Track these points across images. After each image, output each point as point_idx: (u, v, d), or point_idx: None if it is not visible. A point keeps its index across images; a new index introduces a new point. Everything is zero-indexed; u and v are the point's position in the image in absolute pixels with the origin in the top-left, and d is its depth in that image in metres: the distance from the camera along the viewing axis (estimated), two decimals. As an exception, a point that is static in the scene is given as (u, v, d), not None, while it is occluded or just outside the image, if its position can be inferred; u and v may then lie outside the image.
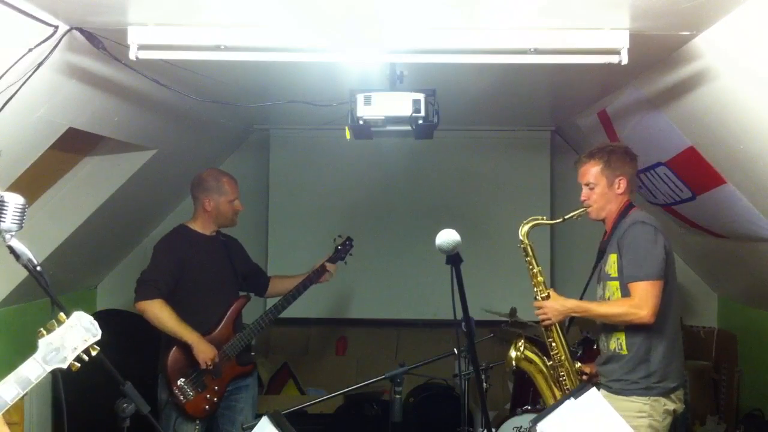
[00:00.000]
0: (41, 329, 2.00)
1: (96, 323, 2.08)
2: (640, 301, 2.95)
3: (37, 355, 1.98)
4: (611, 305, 3.10)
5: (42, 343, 1.99)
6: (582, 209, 3.24)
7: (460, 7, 2.40)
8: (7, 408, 1.94)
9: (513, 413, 4.29)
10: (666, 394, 3.03)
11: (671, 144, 3.69)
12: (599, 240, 3.34)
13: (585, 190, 3.21)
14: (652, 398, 3.00)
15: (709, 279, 5.61)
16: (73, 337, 2.02)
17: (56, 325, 2.02)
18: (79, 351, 2.02)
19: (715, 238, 4.47)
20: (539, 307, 3.24)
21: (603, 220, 3.23)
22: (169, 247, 3.76)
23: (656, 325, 3.01)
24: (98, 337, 2.06)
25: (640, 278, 2.98)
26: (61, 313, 2.03)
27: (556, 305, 3.20)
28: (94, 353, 2.06)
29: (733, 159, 3.29)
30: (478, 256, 5.22)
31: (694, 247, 5.13)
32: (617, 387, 3.06)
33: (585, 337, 4.30)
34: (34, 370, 1.97)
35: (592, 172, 3.16)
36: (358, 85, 2.81)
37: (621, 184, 3.15)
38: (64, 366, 2.01)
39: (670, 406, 3.05)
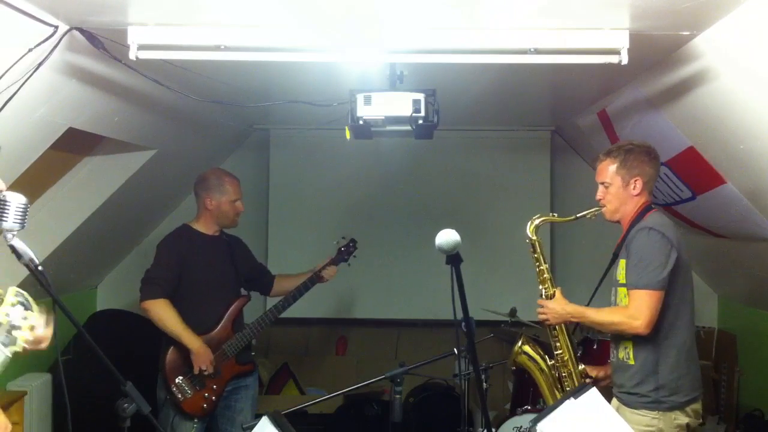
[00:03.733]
0: None
1: (30, 299, 2.03)
2: (636, 311, 2.84)
3: None
4: (607, 313, 3.01)
5: None
6: (596, 209, 3.14)
7: (460, 7, 2.40)
8: None
9: (513, 413, 4.29)
10: (678, 407, 2.90)
11: (671, 144, 3.69)
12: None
13: (600, 189, 3.08)
14: (661, 412, 2.88)
15: (709, 279, 5.61)
16: (17, 315, 1.96)
17: None
18: (26, 330, 1.96)
19: (715, 238, 4.47)
20: (541, 305, 3.18)
21: (618, 222, 3.10)
22: (170, 246, 3.77)
23: (665, 336, 2.91)
24: (35, 314, 2.01)
25: (638, 287, 2.87)
26: None
27: (557, 307, 3.12)
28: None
29: (733, 159, 3.29)
30: (478, 256, 5.22)
31: (694, 247, 5.12)
32: (626, 399, 2.96)
33: (585, 337, 4.30)
34: None
35: (608, 170, 3.04)
36: (358, 85, 2.81)
37: (637, 185, 3.00)
38: (19, 349, 1.95)
39: (683, 420, 2.91)
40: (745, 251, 4.26)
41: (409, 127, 2.78)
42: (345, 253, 4.17)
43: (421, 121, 2.75)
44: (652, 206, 3.07)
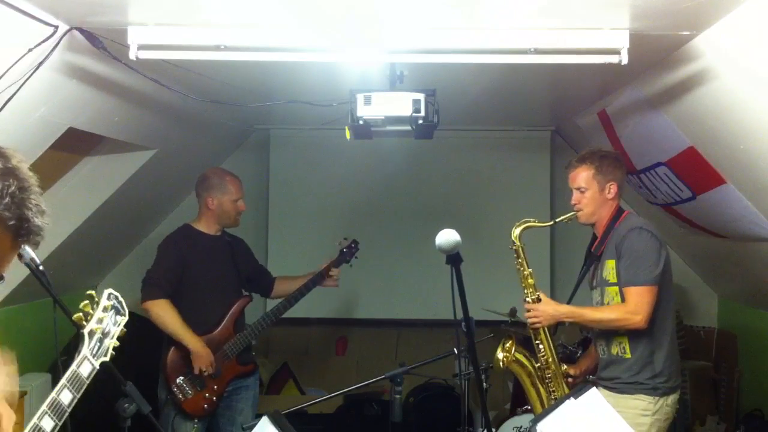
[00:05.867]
0: (79, 314, 1.80)
1: (123, 301, 1.91)
2: (635, 307, 2.97)
3: (86, 349, 1.78)
4: (605, 311, 3.11)
5: (87, 333, 1.79)
6: (572, 213, 3.25)
7: (460, 7, 2.40)
8: (66, 415, 1.75)
9: (513, 413, 4.30)
10: (669, 394, 3.05)
11: (671, 144, 3.69)
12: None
13: (576, 194, 3.22)
14: (657, 398, 3.02)
15: (709, 279, 5.60)
16: (110, 320, 1.83)
17: (90, 306, 1.83)
18: (115, 338, 1.84)
19: (715, 238, 4.47)
20: (530, 309, 3.23)
21: (592, 225, 3.25)
22: (171, 246, 3.78)
23: (658, 328, 3.04)
24: (126, 318, 1.89)
25: (636, 283, 2.99)
26: (92, 291, 1.84)
27: (549, 309, 3.19)
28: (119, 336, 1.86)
29: (733, 159, 3.29)
30: (478, 256, 5.21)
31: (694, 247, 5.13)
32: (623, 388, 3.07)
33: (585, 337, 4.29)
34: (85, 367, 1.77)
35: (584, 176, 3.18)
36: (358, 85, 2.81)
37: (612, 190, 3.17)
38: (107, 359, 1.82)
39: (669, 410, 3.07)
40: (745, 251, 4.25)
41: (409, 127, 2.78)
42: (347, 254, 4.16)
43: (421, 121, 2.75)
44: (623, 209, 3.23)
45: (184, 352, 3.65)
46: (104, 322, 1.83)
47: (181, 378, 3.66)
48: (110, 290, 1.90)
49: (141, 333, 4.07)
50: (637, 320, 2.96)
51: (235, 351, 3.79)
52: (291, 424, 2.36)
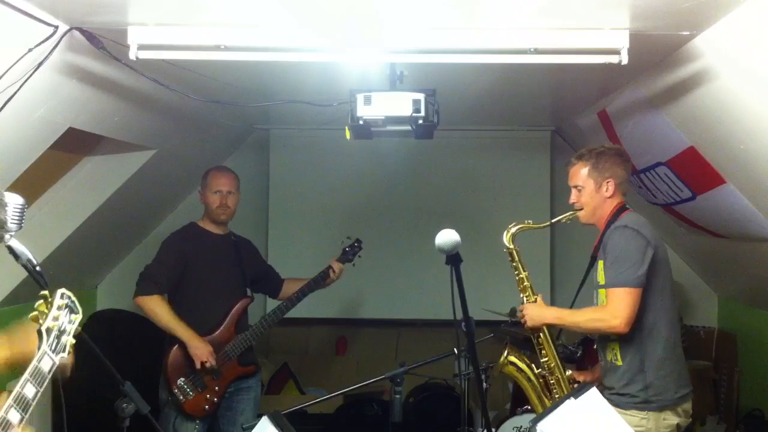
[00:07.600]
0: (35, 313, 1.87)
1: (75, 300, 1.98)
2: (614, 310, 2.84)
3: (45, 345, 1.86)
4: (584, 313, 3.02)
5: (45, 330, 1.86)
6: (571, 212, 3.16)
7: (460, 7, 2.40)
8: (31, 408, 1.82)
9: (513, 413, 4.30)
10: (668, 407, 2.91)
11: (671, 144, 3.69)
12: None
13: (574, 193, 3.13)
14: (651, 412, 2.89)
15: (709, 279, 5.61)
16: (65, 318, 1.91)
17: (45, 306, 1.90)
18: (71, 335, 1.92)
19: (715, 238, 4.47)
20: (521, 310, 3.19)
21: (594, 225, 3.14)
22: (173, 243, 3.79)
23: (648, 335, 2.92)
24: (80, 316, 1.96)
25: (616, 285, 2.87)
26: (44, 291, 1.91)
27: (533, 312, 3.13)
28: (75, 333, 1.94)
29: (733, 159, 3.29)
30: (478, 256, 5.20)
31: (694, 247, 5.13)
32: (616, 400, 2.93)
33: (585, 337, 4.29)
34: (46, 362, 1.85)
35: (580, 174, 3.08)
36: (358, 85, 2.81)
37: (609, 187, 3.05)
38: (66, 354, 1.90)
39: (673, 420, 2.92)
40: (745, 251, 4.25)
41: (409, 127, 2.78)
42: (350, 254, 4.16)
43: (421, 121, 2.74)
44: (627, 206, 3.10)
45: (186, 352, 3.64)
46: (60, 320, 1.90)
47: (182, 379, 3.66)
48: (63, 290, 1.96)
49: (141, 333, 4.09)
50: (616, 324, 2.82)
51: (236, 352, 3.79)
52: (291, 424, 2.36)
